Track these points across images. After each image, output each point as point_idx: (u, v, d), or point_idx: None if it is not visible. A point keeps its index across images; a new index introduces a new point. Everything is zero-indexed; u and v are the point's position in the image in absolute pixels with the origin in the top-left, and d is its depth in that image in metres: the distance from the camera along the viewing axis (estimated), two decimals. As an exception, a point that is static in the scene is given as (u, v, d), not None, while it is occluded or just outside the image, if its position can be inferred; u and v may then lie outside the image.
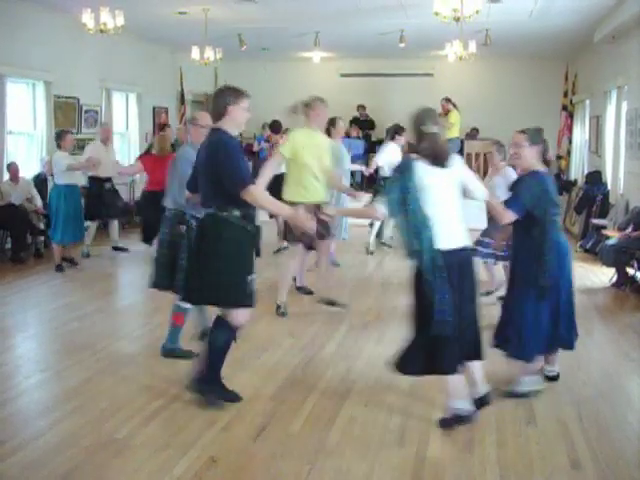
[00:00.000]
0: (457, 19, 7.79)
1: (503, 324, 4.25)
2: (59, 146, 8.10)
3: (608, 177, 10.50)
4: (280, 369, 4.72)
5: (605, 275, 7.72)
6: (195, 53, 10.99)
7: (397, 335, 5.54)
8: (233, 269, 3.85)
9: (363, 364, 4.87)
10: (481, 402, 3.88)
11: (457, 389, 3.73)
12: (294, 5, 9.53)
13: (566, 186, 11.98)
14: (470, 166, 9.57)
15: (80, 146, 9.47)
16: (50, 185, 8.65)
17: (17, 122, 9.52)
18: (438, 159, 3.63)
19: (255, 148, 12.02)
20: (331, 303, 6.28)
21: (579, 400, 4.19)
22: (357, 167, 9.92)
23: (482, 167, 11.71)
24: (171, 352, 4.86)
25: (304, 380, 4.53)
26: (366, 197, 7.72)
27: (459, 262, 3.63)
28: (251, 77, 13.92)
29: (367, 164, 10.11)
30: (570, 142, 13.47)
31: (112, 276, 8.32)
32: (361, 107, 14.74)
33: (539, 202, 4.03)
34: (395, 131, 9.11)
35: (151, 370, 4.70)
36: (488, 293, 6.37)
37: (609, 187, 10.32)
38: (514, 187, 4.21)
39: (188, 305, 4.75)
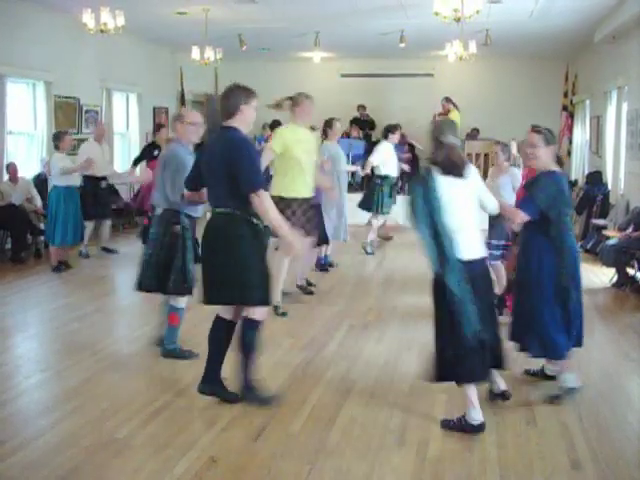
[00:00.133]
0: (457, 19, 7.79)
1: (521, 327, 4.18)
2: (57, 147, 8.08)
3: (608, 177, 10.51)
4: (280, 369, 4.71)
5: (605, 275, 7.71)
6: (195, 53, 10.99)
7: (397, 335, 5.57)
8: (256, 268, 3.85)
9: (363, 364, 4.87)
10: (503, 395, 4.04)
11: (474, 398, 3.72)
12: (294, 5, 9.54)
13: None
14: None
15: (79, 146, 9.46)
16: (50, 186, 8.64)
17: (17, 122, 9.51)
18: (456, 169, 3.64)
19: (256, 148, 11.98)
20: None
21: (579, 400, 4.18)
22: (353, 168, 9.90)
23: (482, 167, 11.69)
24: (170, 352, 4.86)
25: (304, 380, 4.52)
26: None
27: (481, 272, 3.69)
28: (251, 77, 13.76)
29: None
30: (570, 142, 13.49)
31: (112, 276, 8.31)
32: (361, 107, 14.71)
33: (555, 202, 4.01)
34: (388, 130, 9.14)
35: (151, 370, 4.70)
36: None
37: (609, 187, 10.33)
38: (530, 187, 4.17)
39: (182, 304, 4.76)
